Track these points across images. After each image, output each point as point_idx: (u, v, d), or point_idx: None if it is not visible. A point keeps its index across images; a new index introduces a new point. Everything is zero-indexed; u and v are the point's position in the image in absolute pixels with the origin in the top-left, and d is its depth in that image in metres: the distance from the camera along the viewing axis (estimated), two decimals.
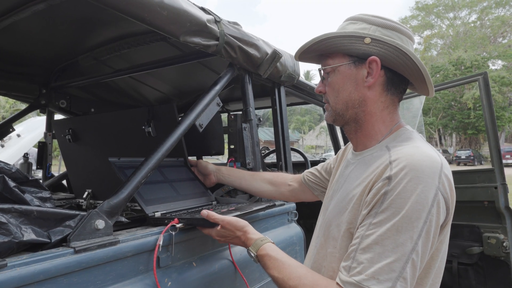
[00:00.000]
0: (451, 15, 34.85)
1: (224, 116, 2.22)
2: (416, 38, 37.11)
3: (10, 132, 2.28)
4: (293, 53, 1.89)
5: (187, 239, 1.16)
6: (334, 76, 0.94)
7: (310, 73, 47.44)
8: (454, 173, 2.62)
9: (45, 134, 2.44)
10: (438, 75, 30.78)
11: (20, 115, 2.34)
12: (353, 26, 0.91)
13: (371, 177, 0.81)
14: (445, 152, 29.72)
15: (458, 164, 26.34)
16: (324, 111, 1.05)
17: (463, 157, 26.49)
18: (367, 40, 0.86)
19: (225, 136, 1.78)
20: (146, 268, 0.98)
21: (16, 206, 0.77)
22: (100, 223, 0.89)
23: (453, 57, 30.12)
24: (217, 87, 1.40)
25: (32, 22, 1.75)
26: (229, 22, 1.48)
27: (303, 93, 2.14)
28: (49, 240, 0.81)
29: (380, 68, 0.88)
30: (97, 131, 2.07)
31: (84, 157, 2.19)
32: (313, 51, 0.97)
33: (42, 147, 2.41)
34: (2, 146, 4.79)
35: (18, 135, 4.95)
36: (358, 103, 0.92)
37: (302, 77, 2.05)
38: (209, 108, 1.35)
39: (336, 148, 2.96)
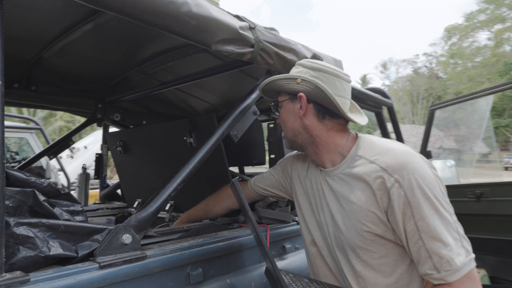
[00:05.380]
0: None
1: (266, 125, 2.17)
2: (485, 34, 34.11)
3: (70, 145, 2.45)
4: (342, 58, 1.80)
5: (222, 254, 1.11)
6: (281, 110, 1.16)
7: (367, 76, 45.52)
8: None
9: (102, 146, 2.59)
10: None
11: (78, 129, 2.50)
12: (294, 70, 1.13)
13: (374, 185, 0.94)
14: None
15: None
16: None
17: None
18: (298, 81, 1.06)
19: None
20: (176, 284, 0.95)
21: (44, 220, 0.77)
22: (127, 238, 0.87)
23: None
24: (254, 95, 1.36)
25: (84, 42, 1.86)
26: (265, 28, 1.43)
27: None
28: (76, 255, 0.81)
29: (307, 101, 1.07)
30: (144, 142, 2.14)
31: (134, 168, 2.27)
32: (272, 89, 1.16)
33: (99, 158, 2.55)
34: (72, 157, 5.22)
35: (85, 147, 5.36)
36: (302, 130, 1.09)
37: (356, 82, 1.91)
38: (245, 117, 1.31)
39: None
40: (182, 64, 2.15)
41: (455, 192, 2.73)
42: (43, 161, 4.08)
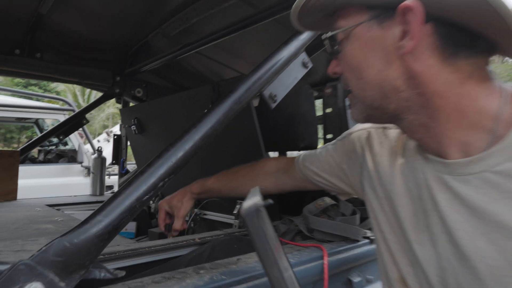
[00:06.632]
0: None
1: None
2: None
3: (84, 124, 2.10)
4: None
5: None
6: (349, 46, 0.58)
7: None
8: None
9: (120, 126, 2.22)
10: None
11: (92, 107, 2.14)
12: None
13: None
14: None
15: None
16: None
17: None
18: None
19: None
20: None
21: None
22: None
23: None
24: (304, 35, 0.84)
25: None
26: None
27: None
28: None
29: (424, 19, 0.49)
30: (162, 118, 1.72)
31: (151, 151, 1.87)
32: (317, 10, 0.59)
33: (117, 140, 2.18)
34: (108, 141, 5.03)
35: None
36: (403, 82, 0.53)
37: None
38: (288, 70, 0.80)
39: None
40: (208, 21, 1.69)
41: None
42: (76, 143, 3.87)
